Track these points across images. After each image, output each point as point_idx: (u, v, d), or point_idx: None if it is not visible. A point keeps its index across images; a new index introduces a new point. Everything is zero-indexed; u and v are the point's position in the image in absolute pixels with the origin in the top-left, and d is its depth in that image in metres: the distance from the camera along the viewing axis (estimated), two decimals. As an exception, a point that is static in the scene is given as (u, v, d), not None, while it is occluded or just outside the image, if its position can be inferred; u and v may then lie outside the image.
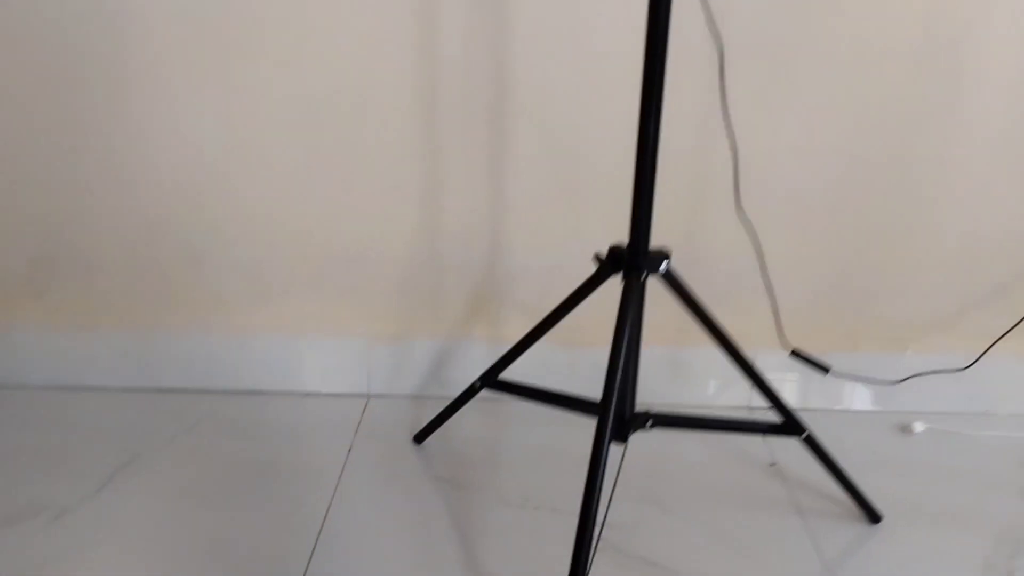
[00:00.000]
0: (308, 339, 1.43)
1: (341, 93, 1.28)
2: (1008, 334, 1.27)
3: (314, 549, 1.06)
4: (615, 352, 0.98)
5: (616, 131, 1.22)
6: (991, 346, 1.27)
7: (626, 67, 1.17)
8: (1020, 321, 1.27)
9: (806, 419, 1.09)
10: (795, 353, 1.15)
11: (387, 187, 1.35)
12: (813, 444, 1.10)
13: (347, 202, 1.36)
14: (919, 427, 1.33)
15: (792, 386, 1.40)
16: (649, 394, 1.27)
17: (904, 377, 1.31)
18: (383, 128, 1.30)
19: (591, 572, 0.92)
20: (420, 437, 1.30)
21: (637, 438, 1.10)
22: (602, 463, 0.95)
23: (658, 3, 0.89)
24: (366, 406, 1.41)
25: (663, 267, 1.00)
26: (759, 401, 1.38)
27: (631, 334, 0.99)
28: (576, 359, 1.40)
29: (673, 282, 1.01)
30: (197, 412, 1.37)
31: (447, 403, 1.26)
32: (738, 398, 1.42)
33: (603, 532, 1.05)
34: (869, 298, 1.38)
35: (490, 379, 1.18)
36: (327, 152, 1.33)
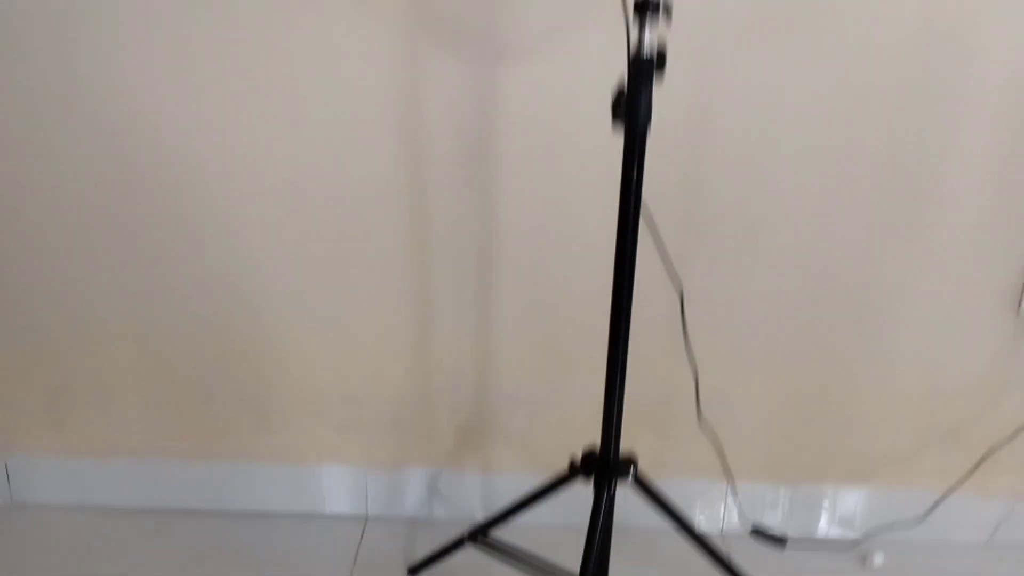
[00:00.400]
0: (309, 467, 1.53)
1: (339, 246, 1.36)
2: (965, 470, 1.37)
3: None
4: (587, 552, 1.07)
5: (596, 279, 1.29)
6: (947, 494, 1.36)
7: (604, 221, 1.21)
8: (975, 467, 1.37)
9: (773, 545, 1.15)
10: (755, 531, 1.24)
11: (382, 328, 1.43)
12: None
13: (345, 342, 1.45)
14: (879, 559, 1.43)
15: (765, 511, 1.50)
16: (627, 515, 1.34)
17: (863, 533, 1.41)
18: (378, 275, 1.38)
19: None
20: (414, 571, 1.41)
21: None
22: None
23: (624, 254, 0.96)
24: (364, 531, 1.51)
25: (631, 474, 1.08)
26: (730, 526, 1.48)
27: (603, 534, 1.09)
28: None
29: (644, 487, 1.10)
30: (205, 536, 1.48)
31: (440, 527, 1.36)
32: (714, 523, 1.52)
33: None
34: (834, 435, 1.47)
35: (478, 535, 1.28)
36: (325, 296, 1.41)
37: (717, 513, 1.49)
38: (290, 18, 1.22)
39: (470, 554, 1.37)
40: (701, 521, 1.49)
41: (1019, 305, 1.37)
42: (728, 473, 1.30)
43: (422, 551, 1.41)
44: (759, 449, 1.47)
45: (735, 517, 1.46)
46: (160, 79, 1.25)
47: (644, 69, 0.88)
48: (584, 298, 1.38)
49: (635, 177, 0.91)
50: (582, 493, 1.14)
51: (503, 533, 1.30)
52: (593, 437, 1.16)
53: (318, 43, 1.23)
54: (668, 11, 0.87)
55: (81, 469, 1.54)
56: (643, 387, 1.36)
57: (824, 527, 1.50)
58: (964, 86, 1.24)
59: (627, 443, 1.16)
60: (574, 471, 1.11)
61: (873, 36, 1.20)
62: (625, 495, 1.16)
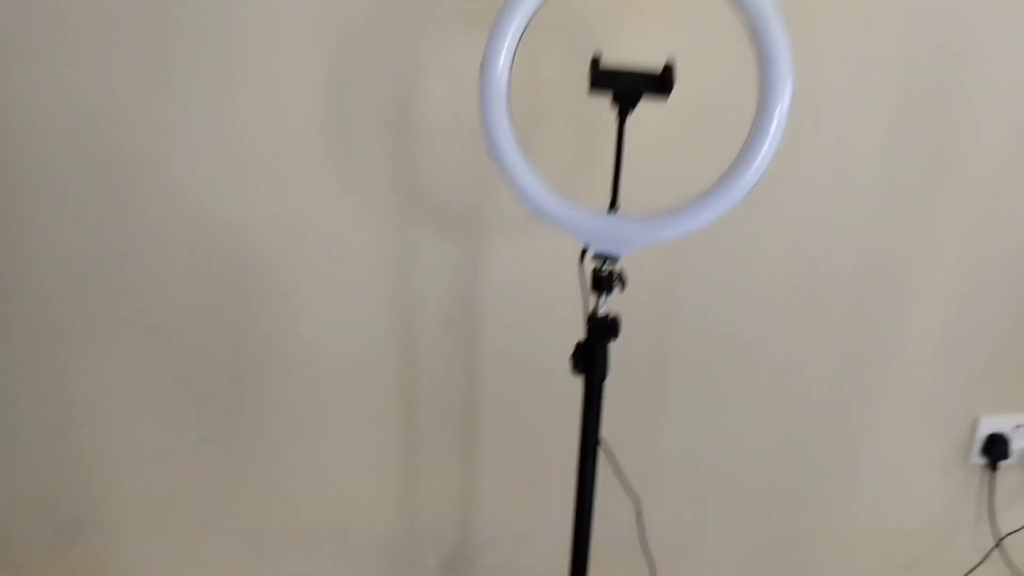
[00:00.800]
0: (302, 595, 1.62)
1: (331, 393, 1.44)
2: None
3: None
4: None
5: (571, 426, 1.36)
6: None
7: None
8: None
9: None
10: None
11: (371, 468, 1.52)
12: None
13: (336, 482, 1.53)
14: None
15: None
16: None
17: None
18: (368, 423, 1.47)
19: None
20: None
21: None
22: None
23: (584, 486, 1.04)
24: (354, 657, 1.60)
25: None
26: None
27: None
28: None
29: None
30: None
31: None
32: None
33: None
34: (798, 569, 1.56)
35: None
36: (319, 438, 1.50)
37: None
38: (290, 202, 1.30)
39: None
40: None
41: (967, 456, 1.45)
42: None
43: None
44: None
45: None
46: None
47: (600, 330, 0.96)
48: (559, 443, 1.46)
49: (594, 420, 0.99)
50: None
51: None
52: (564, 568, 1.25)
53: (318, 223, 1.31)
54: (623, 282, 0.95)
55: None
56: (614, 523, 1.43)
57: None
58: (918, 256, 1.32)
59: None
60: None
61: (831, 208, 1.28)
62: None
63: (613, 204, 0.91)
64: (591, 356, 0.96)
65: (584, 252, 0.95)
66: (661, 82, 0.84)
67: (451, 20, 1.19)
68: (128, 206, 1.30)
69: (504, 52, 0.81)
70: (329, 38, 1.18)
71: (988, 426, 1.43)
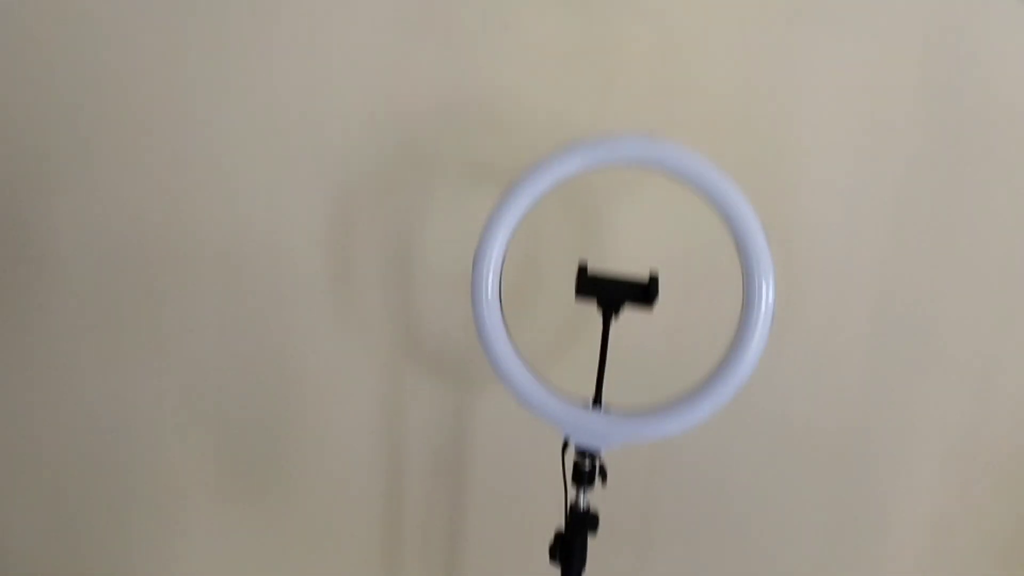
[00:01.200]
0: None
1: (321, 529, 1.45)
2: None
3: None
4: None
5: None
6: None
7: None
8: None
9: None
10: None
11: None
12: None
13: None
14: None
15: None
16: None
17: None
18: (356, 554, 1.48)
19: None
20: None
21: None
22: None
23: None
24: None
25: None
26: None
27: None
28: None
29: None
30: None
31: None
32: None
33: None
34: None
35: None
36: (302, 541, 1.49)
37: None
38: (290, 339, 1.34)
39: None
40: None
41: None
42: None
43: None
44: None
45: None
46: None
47: (579, 525, 0.96)
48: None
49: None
50: None
51: None
52: None
53: (315, 360, 1.35)
54: (604, 475, 0.95)
55: None
56: None
57: None
58: (905, 439, 1.32)
59: None
60: None
61: (816, 383, 1.29)
62: None
63: (597, 400, 0.93)
64: (569, 549, 0.95)
65: (565, 443, 0.96)
66: (645, 292, 0.87)
67: (454, 174, 1.24)
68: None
69: (491, 274, 0.84)
70: (334, 184, 1.24)
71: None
